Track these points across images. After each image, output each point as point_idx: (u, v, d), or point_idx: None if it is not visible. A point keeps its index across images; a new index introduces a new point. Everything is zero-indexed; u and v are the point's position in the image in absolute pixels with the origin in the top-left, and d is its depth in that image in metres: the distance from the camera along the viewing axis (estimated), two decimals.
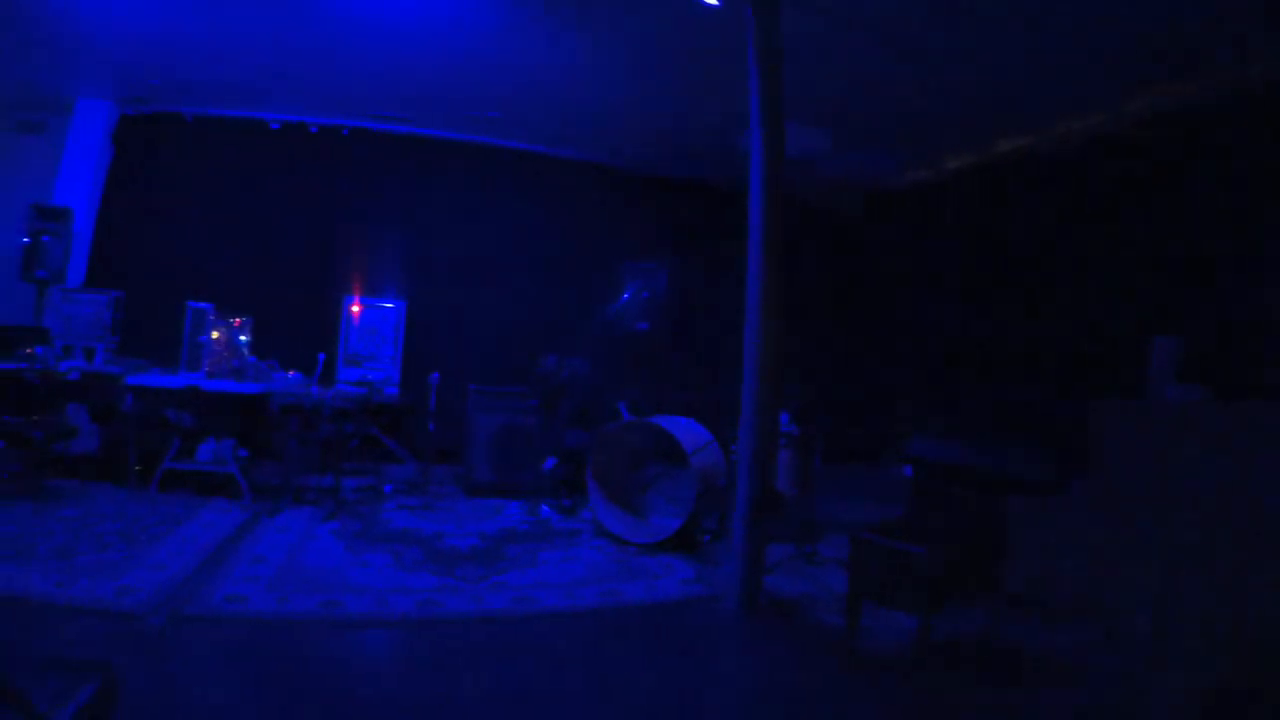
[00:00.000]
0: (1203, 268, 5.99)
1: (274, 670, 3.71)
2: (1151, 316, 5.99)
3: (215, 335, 7.51)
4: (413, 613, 4.37)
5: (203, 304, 7.61)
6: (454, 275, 9.29)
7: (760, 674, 3.96)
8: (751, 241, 4.67)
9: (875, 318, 9.75)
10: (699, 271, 9.17)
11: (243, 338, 7.57)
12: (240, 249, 8.95)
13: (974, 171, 8.72)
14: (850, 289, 10.25)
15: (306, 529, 6.06)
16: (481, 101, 8.18)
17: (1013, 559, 3.83)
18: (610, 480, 6.21)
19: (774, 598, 4.65)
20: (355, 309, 8.71)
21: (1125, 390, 4.88)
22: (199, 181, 9.11)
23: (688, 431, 5.96)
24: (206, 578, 4.79)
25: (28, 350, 6.98)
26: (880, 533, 3.82)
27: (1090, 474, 3.76)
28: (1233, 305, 5.69)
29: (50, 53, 7.74)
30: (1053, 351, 7.16)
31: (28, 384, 6.65)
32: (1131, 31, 5.59)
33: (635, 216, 9.66)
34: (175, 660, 3.79)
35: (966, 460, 4.83)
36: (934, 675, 3.66)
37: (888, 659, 3.94)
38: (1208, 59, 5.95)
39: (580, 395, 7.28)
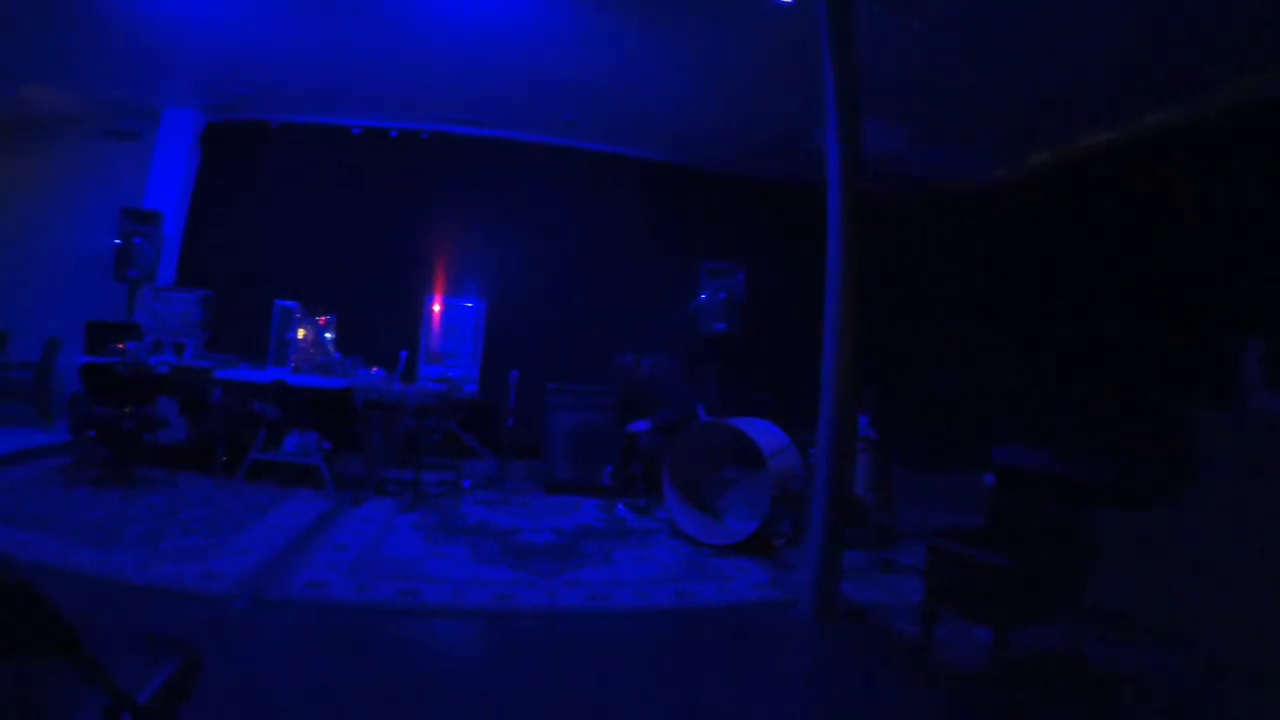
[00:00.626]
0: None
1: (352, 655, 3.82)
2: (1245, 319, 5.72)
3: (301, 333, 7.78)
4: (488, 605, 4.44)
5: (289, 302, 7.93)
6: (532, 275, 9.40)
7: (832, 682, 3.91)
8: (830, 240, 4.60)
9: (957, 320, 9.49)
10: (777, 272, 9.09)
11: (328, 335, 7.85)
12: (325, 250, 9.30)
13: (1056, 168, 8.45)
14: (931, 290, 10.00)
15: (387, 520, 6.21)
16: (557, 104, 8.28)
17: (1100, 574, 3.69)
18: (687, 481, 6.21)
19: (849, 605, 4.58)
20: (437, 308, 8.92)
21: (1218, 396, 4.67)
22: (284, 185, 9.50)
23: (766, 434, 5.92)
24: (289, 564, 4.98)
25: (120, 345, 7.35)
26: (959, 541, 3.72)
27: (1185, 486, 3.60)
28: None
29: (140, 66, 8.20)
30: (1141, 355, 6.89)
31: (120, 377, 6.97)
32: (1225, 20, 5.39)
33: (712, 216, 9.63)
34: (257, 642, 3.93)
35: (1051, 469, 4.67)
36: (1010, 691, 3.55)
37: (963, 672, 3.84)
38: None
39: (660, 394, 7.24)
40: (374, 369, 7.61)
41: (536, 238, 9.50)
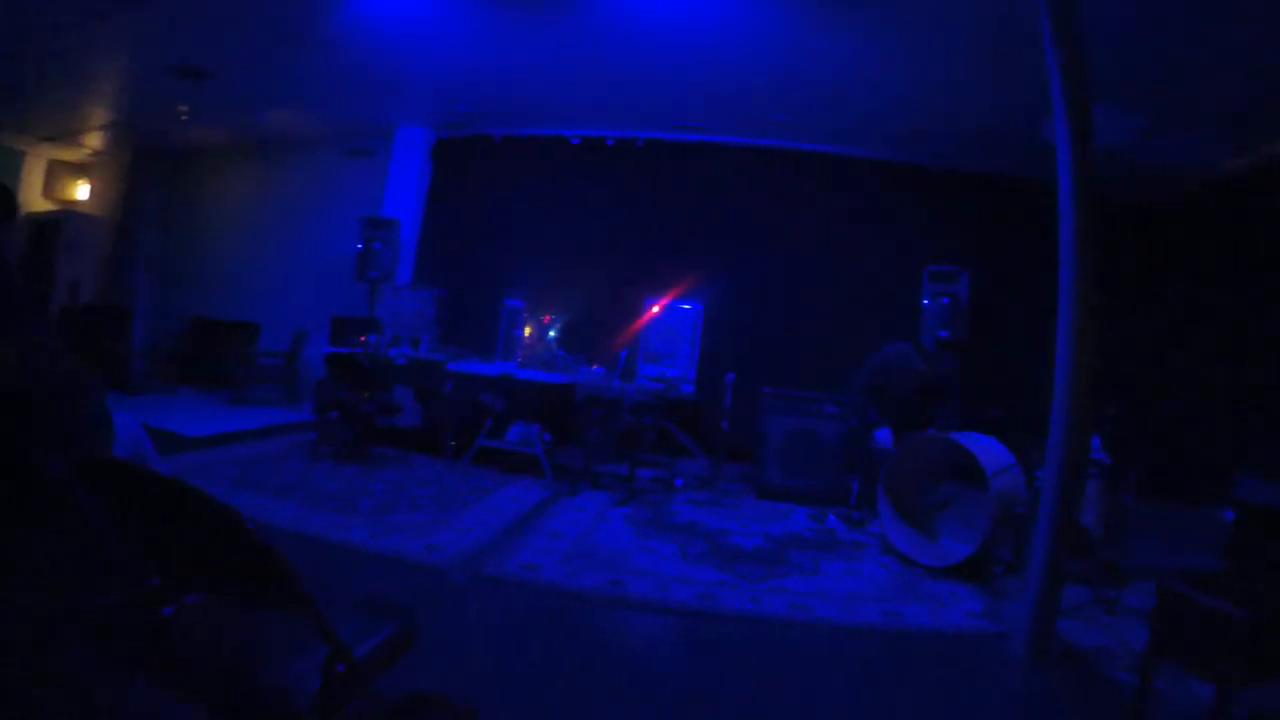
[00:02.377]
0: None
1: (557, 637, 4.09)
2: None
3: (527, 330, 8.32)
4: (691, 603, 4.56)
5: (516, 302, 8.47)
6: (748, 278, 9.41)
7: None
8: (1062, 239, 4.32)
9: (1197, 332, 8.66)
10: (1005, 275, 8.60)
11: (551, 333, 8.33)
12: (548, 253, 9.85)
13: None
14: (1174, 296, 9.07)
15: (600, 511, 6.54)
16: (768, 105, 8.25)
17: None
18: (903, 496, 6.04)
19: (1064, 645, 4.30)
20: (655, 309, 9.16)
21: None
22: (509, 193, 10.22)
23: (989, 451, 5.65)
24: (506, 545, 5.40)
25: (361, 338, 8.21)
26: (1193, 585, 3.51)
27: None
28: None
29: (374, 89, 9.18)
30: None
31: (362, 366, 7.79)
32: None
33: (934, 216, 9.15)
34: (471, 614, 4.33)
35: None
36: None
37: None
38: None
39: (936, 396, 6.96)
40: (594, 366, 7.99)
41: (751, 241, 9.51)
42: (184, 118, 10.53)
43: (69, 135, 12.22)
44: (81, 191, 13.56)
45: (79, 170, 13.56)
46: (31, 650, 2.38)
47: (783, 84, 7.61)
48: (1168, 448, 7.28)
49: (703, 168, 9.62)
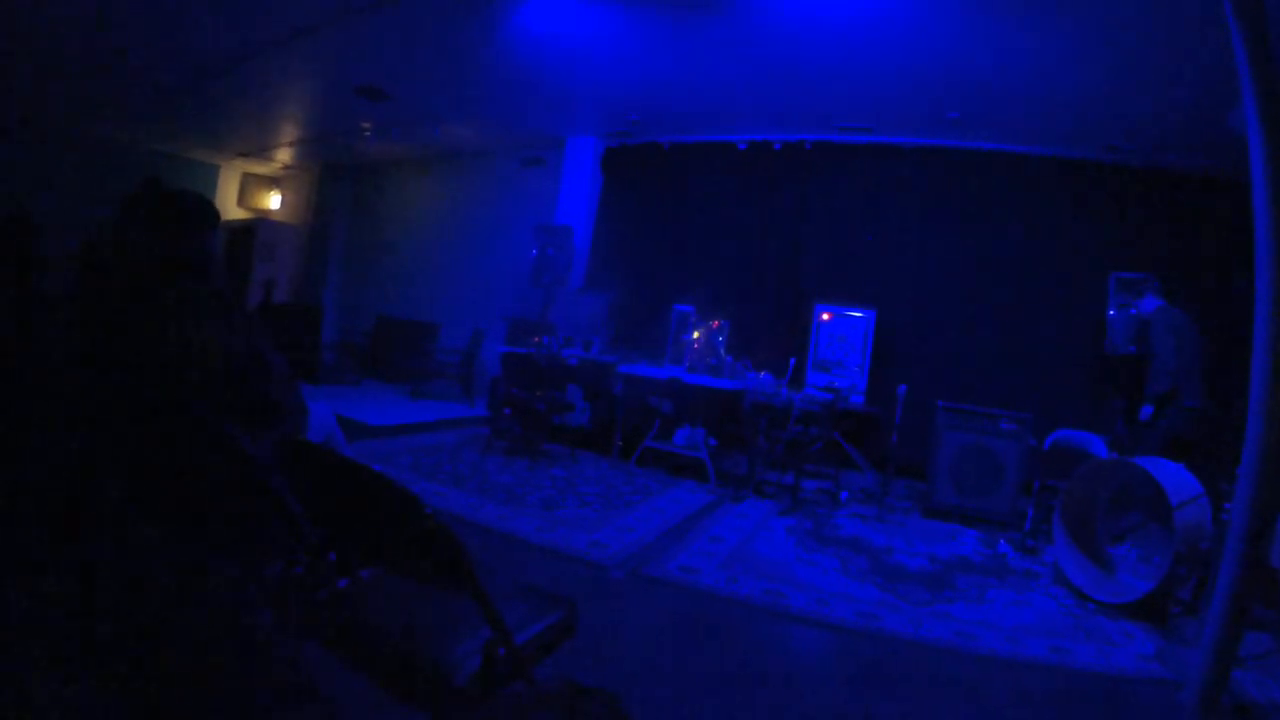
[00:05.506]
0: None
1: (711, 641, 4.23)
2: None
3: (696, 335, 8.56)
4: (850, 621, 4.57)
5: (685, 307, 8.68)
6: (921, 284, 9.28)
7: None
8: (1258, 240, 3.92)
9: None
10: (1195, 282, 7.90)
11: (720, 338, 8.51)
12: (716, 258, 10.10)
13: None
14: None
15: (762, 520, 6.66)
16: (941, 102, 8.13)
17: None
18: (1079, 523, 5.81)
19: (1238, 698, 4.03)
20: (825, 316, 9.16)
21: None
22: (677, 199, 10.53)
23: (1174, 479, 5.29)
24: (666, 546, 5.63)
25: (536, 339, 8.78)
26: None
27: None
28: None
29: (547, 103, 9.81)
30: None
31: (535, 365, 8.18)
32: None
33: (1121, 218, 8.63)
34: (629, 611, 4.52)
35: None
36: None
37: None
38: None
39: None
40: (762, 373, 8.11)
41: (924, 246, 9.36)
42: (366, 134, 11.55)
43: (261, 151, 13.59)
44: (273, 201, 15.23)
45: (270, 182, 15.21)
46: (222, 607, 2.78)
47: (954, 78, 7.50)
48: None
49: (872, 170, 9.57)
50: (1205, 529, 5.12)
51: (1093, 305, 8.08)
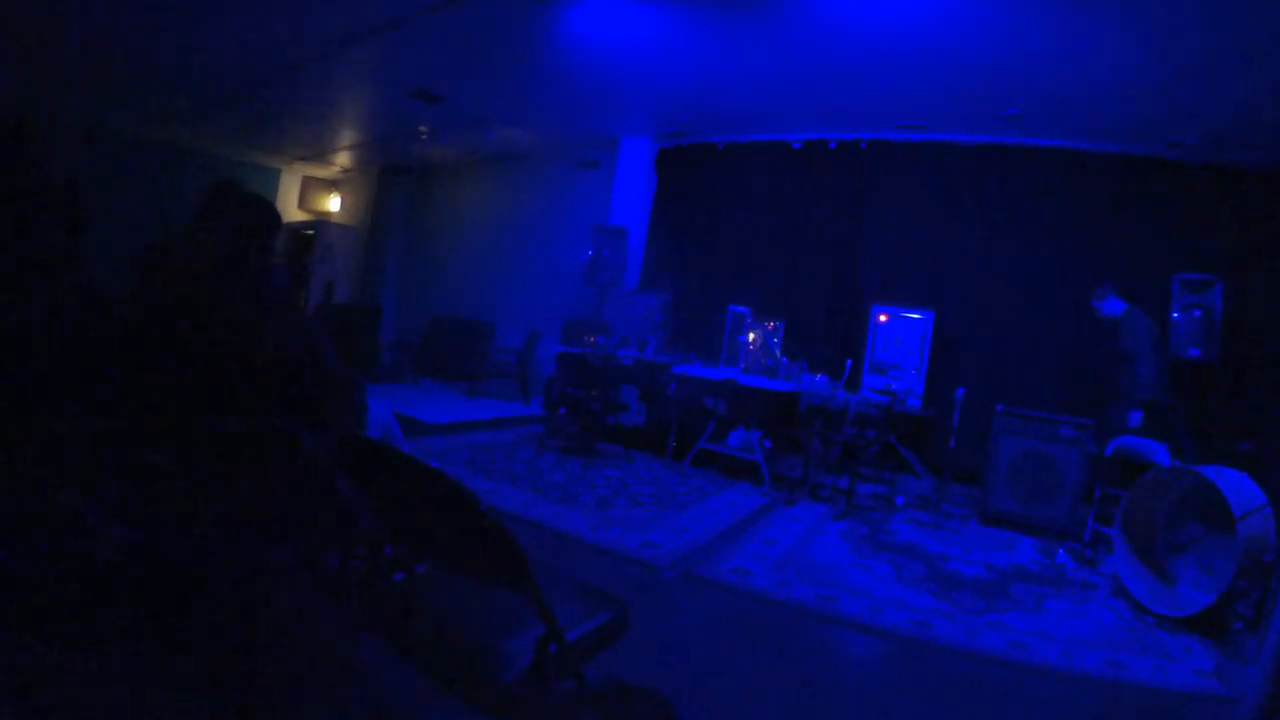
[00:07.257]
0: None
1: (762, 645, 4.28)
2: None
3: (751, 336, 8.61)
4: (903, 628, 4.57)
5: (741, 308, 8.71)
6: (981, 286, 9.14)
7: None
8: None
9: None
10: (1264, 285, 7.81)
11: (775, 340, 8.54)
12: (772, 259, 10.14)
13: None
14: None
15: (816, 524, 6.68)
16: (1000, 98, 8.02)
17: None
18: (1140, 534, 5.71)
19: None
20: (882, 318, 9.12)
21: None
22: (731, 200, 10.57)
23: (1238, 489, 5.16)
24: (719, 548, 5.68)
25: (591, 339, 8.84)
26: None
27: None
28: None
29: (600, 105, 9.93)
30: None
31: (591, 365, 8.36)
32: None
33: (1186, 217, 8.35)
34: (681, 612, 4.59)
35: None
36: None
37: None
38: None
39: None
40: (818, 375, 8.14)
41: (982, 246, 9.22)
42: (423, 137, 11.78)
43: (321, 155, 13.90)
44: (333, 204, 15.60)
45: (330, 185, 15.58)
46: (271, 591, 2.88)
47: (1011, 73, 7.40)
48: None
49: (929, 168, 9.48)
50: (1269, 541, 5.00)
51: (1156, 308, 7.73)
